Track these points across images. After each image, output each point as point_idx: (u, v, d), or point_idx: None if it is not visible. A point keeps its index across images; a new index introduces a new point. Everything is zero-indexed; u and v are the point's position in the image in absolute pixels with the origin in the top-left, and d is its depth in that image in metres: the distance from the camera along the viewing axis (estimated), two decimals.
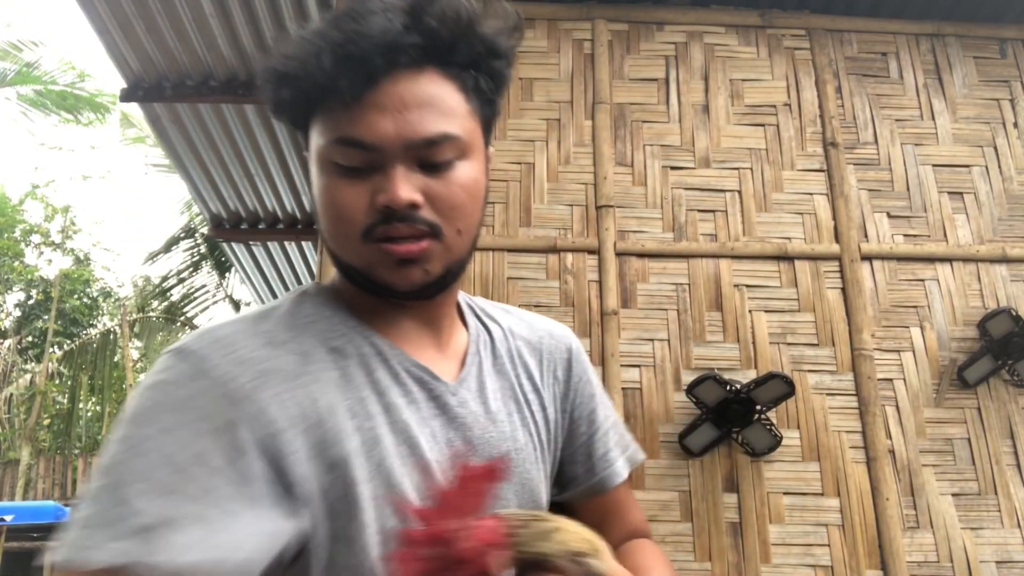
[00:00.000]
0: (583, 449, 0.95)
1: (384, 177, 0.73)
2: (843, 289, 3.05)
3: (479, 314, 0.93)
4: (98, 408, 12.46)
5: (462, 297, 0.92)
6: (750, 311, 3.01)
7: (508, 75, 0.82)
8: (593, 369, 1.00)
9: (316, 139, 0.77)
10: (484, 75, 0.79)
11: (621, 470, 0.96)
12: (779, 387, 2.75)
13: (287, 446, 0.68)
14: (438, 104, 0.75)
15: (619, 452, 0.97)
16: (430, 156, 0.74)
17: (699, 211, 3.12)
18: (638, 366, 2.91)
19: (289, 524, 0.68)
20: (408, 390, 0.78)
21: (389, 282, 0.76)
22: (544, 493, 0.88)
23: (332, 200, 0.75)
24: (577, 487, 0.95)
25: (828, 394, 2.93)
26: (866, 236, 3.14)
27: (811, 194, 3.17)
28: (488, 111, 0.81)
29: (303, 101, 0.76)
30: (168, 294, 11.46)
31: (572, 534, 0.66)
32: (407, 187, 0.73)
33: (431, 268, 0.76)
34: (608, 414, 0.98)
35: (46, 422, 12.23)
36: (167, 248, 10.50)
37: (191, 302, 11.22)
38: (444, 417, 0.79)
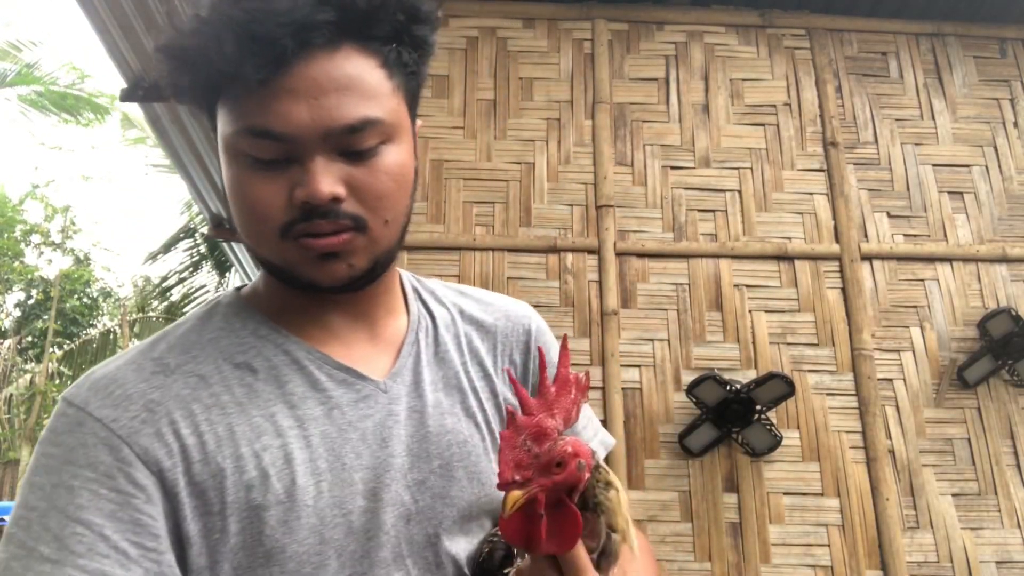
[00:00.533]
0: None
1: (302, 170, 0.67)
2: (843, 289, 3.05)
3: (425, 298, 0.86)
4: None
5: (409, 279, 0.87)
6: (750, 311, 3.01)
7: (433, 41, 0.74)
8: (556, 348, 0.91)
9: (223, 126, 0.70)
10: (407, 46, 0.72)
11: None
12: (779, 387, 2.75)
13: (175, 483, 0.65)
14: (358, 85, 0.68)
15: (588, 436, 0.89)
16: (352, 144, 0.68)
17: (699, 211, 3.12)
18: (638, 366, 2.91)
19: (185, 562, 0.66)
20: (329, 396, 0.73)
21: (312, 278, 0.71)
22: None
23: (245, 195, 0.70)
24: None
25: (828, 394, 2.93)
26: (866, 236, 3.14)
27: (811, 194, 3.17)
28: (413, 83, 0.74)
29: (204, 86, 0.69)
30: (168, 294, 11.46)
31: (622, 504, 0.67)
32: (328, 180, 0.67)
33: (356, 262, 0.71)
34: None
35: (46, 422, 12.25)
36: (167, 248, 10.51)
37: (191, 302, 11.22)
38: (375, 418, 0.74)
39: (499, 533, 0.73)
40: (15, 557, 0.61)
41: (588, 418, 0.92)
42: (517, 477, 0.60)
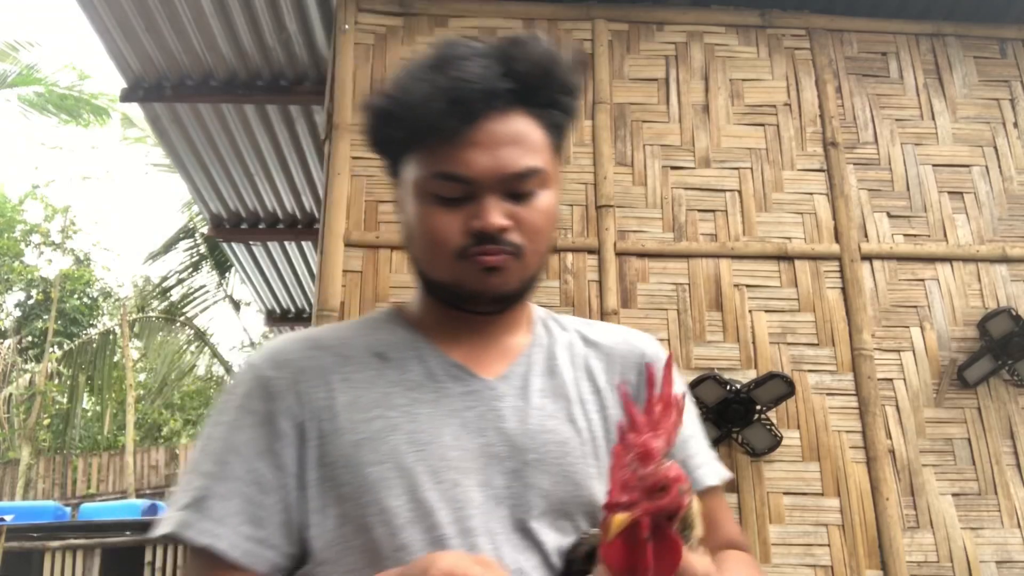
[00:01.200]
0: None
1: (478, 205, 0.84)
2: (843, 289, 3.05)
3: (550, 325, 1.00)
4: (98, 408, 12.46)
5: (540, 312, 1.01)
6: (750, 311, 3.01)
7: (578, 108, 0.93)
8: (679, 380, 0.96)
9: (414, 171, 0.87)
10: (559, 111, 0.89)
11: (703, 478, 0.93)
12: (779, 387, 2.75)
13: (308, 433, 0.83)
14: (525, 141, 0.85)
15: (700, 460, 0.95)
16: (518, 187, 0.85)
17: (699, 211, 3.12)
18: None
19: (304, 501, 0.82)
20: (441, 386, 0.87)
21: (476, 289, 0.86)
22: (595, 490, 0.87)
23: (430, 226, 0.85)
24: None
25: (828, 394, 2.93)
26: (866, 236, 3.14)
27: (811, 194, 3.17)
28: (561, 141, 0.92)
29: (406, 139, 0.87)
30: (168, 294, 11.46)
31: (699, 518, 0.70)
32: (497, 214, 0.84)
33: (510, 280, 0.86)
34: (688, 424, 0.95)
35: (46, 422, 12.23)
36: (167, 248, 10.50)
37: (191, 302, 11.22)
38: (479, 409, 0.86)
39: (591, 533, 0.79)
40: (196, 473, 0.83)
41: (704, 447, 0.98)
42: (624, 499, 0.62)
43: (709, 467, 0.95)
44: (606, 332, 1.01)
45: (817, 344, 2.99)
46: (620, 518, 0.61)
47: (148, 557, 5.19)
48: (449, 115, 0.82)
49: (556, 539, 0.83)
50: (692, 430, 0.97)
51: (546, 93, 0.87)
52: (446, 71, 0.83)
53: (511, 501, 0.83)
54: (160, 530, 0.82)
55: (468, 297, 0.88)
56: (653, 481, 0.62)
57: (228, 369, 12.20)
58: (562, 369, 0.93)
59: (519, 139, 0.85)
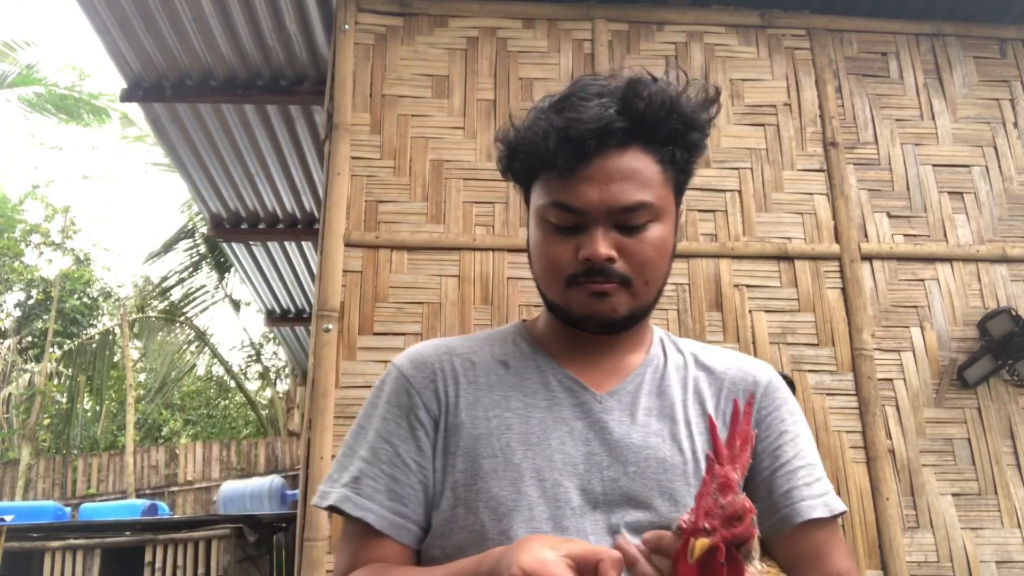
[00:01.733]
0: (764, 485, 0.94)
1: (587, 236, 0.89)
2: (843, 289, 3.05)
3: (667, 346, 1.03)
4: (98, 408, 12.46)
5: (661, 334, 1.05)
6: (750, 311, 3.01)
7: (704, 145, 0.96)
8: (797, 411, 1.01)
9: (536, 199, 0.94)
10: (681, 147, 0.93)
11: (807, 510, 0.91)
12: None
13: (440, 425, 0.94)
14: (637, 177, 0.90)
15: (808, 492, 0.93)
16: (627, 220, 0.89)
17: (699, 211, 3.12)
18: None
19: (435, 483, 0.93)
20: (554, 395, 0.95)
21: (583, 314, 0.92)
22: (691, 503, 0.88)
23: (545, 252, 0.93)
24: (759, 524, 0.91)
25: (828, 394, 2.93)
26: (866, 236, 3.14)
27: (811, 194, 3.17)
28: (682, 177, 0.96)
29: (529, 170, 0.94)
30: (168, 294, 11.45)
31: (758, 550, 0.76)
32: (604, 245, 0.89)
33: (618, 308, 0.91)
34: (802, 455, 0.96)
35: (46, 422, 12.23)
36: (167, 248, 10.50)
37: (191, 302, 11.22)
38: (587, 420, 0.93)
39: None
40: (345, 455, 0.97)
41: (816, 478, 0.96)
42: (706, 525, 0.66)
43: (817, 500, 0.92)
44: (721, 357, 1.04)
45: (817, 344, 2.99)
46: (703, 542, 0.65)
47: (148, 557, 5.19)
48: (561, 152, 0.88)
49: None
50: (805, 458, 0.96)
51: (665, 131, 0.91)
52: (564, 111, 0.89)
53: (606, 507, 0.88)
54: (320, 502, 0.94)
55: (578, 321, 0.94)
56: (732, 511, 0.67)
57: (228, 369, 12.20)
58: (672, 390, 0.97)
59: (631, 175, 0.89)
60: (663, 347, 1.03)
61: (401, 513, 0.92)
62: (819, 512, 0.92)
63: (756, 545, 0.73)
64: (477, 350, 1.01)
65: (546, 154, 0.89)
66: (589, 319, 0.93)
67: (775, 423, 0.98)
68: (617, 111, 0.90)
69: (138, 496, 9.81)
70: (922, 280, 3.11)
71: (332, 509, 0.94)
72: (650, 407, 0.95)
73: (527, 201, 0.99)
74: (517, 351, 1.00)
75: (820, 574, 0.91)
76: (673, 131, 0.92)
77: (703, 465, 0.91)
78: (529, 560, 0.71)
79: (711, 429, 0.74)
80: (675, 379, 0.99)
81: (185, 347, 11.47)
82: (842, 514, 0.96)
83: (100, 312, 14.92)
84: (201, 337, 11.40)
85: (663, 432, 0.93)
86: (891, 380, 2.97)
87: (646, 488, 0.89)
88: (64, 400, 11.72)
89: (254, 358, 14.38)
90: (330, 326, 2.84)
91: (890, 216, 3.18)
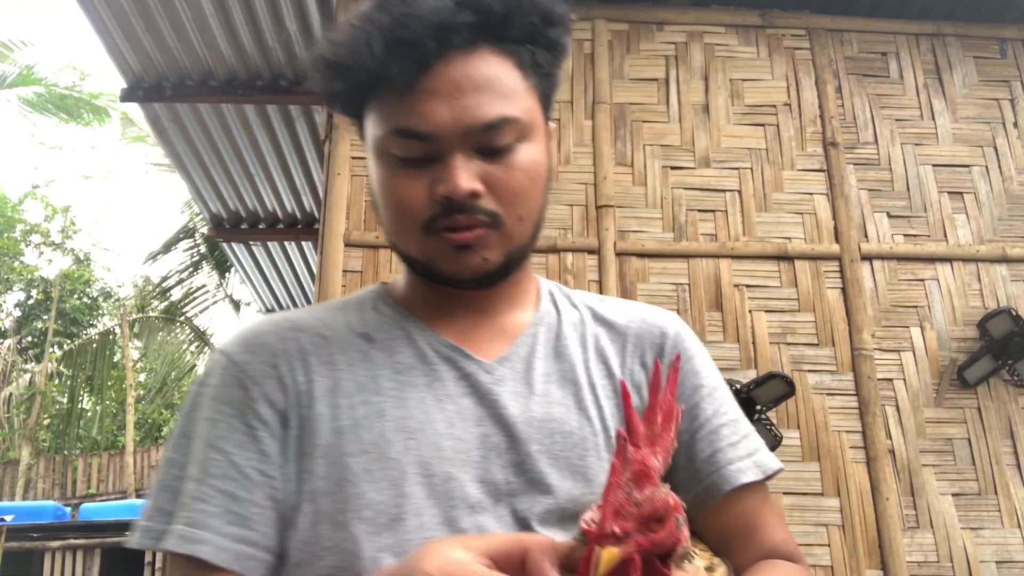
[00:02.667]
0: (684, 450, 0.80)
1: (443, 167, 0.72)
2: (843, 289, 3.05)
3: (557, 300, 0.87)
4: (98, 408, 12.46)
5: (548, 284, 0.89)
6: (750, 311, 3.01)
7: (566, 44, 0.78)
8: (710, 362, 0.87)
9: (372, 129, 0.76)
10: (541, 47, 0.75)
11: (736, 474, 0.78)
12: (779, 387, 2.75)
13: (290, 421, 0.74)
14: (495, 85, 0.72)
15: (735, 453, 0.80)
16: (489, 141, 0.72)
17: (699, 211, 3.12)
18: None
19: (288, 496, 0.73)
20: (433, 369, 0.77)
21: (449, 271, 0.76)
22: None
23: (391, 193, 0.75)
24: (683, 497, 0.77)
25: (828, 394, 2.93)
26: (866, 236, 3.14)
27: (811, 194, 3.17)
28: (547, 85, 0.78)
29: (356, 91, 0.75)
30: (168, 294, 11.46)
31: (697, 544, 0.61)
32: (466, 176, 0.71)
33: (490, 256, 0.75)
34: (722, 410, 0.82)
35: (46, 422, 12.23)
36: (167, 248, 10.51)
37: (191, 302, 11.23)
38: (476, 395, 0.76)
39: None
40: (165, 474, 0.74)
41: (743, 435, 0.82)
42: (616, 529, 0.51)
43: (746, 461, 0.79)
44: (621, 309, 0.88)
45: (817, 344, 2.99)
46: (611, 552, 0.50)
47: (148, 557, 5.19)
48: (394, 60, 0.69)
49: (562, 538, 0.69)
50: (726, 414, 0.82)
51: (519, 25, 0.73)
52: (392, 8, 0.71)
53: (512, 498, 0.73)
54: (134, 541, 0.73)
55: (444, 278, 0.77)
56: (651, 510, 0.52)
57: None
58: (570, 351, 0.82)
59: (487, 83, 0.72)
60: (554, 301, 0.86)
61: (245, 539, 0.70)
62: (751, 475, 0.78)
63: (688, 544, 0.57)
64: (328, 322, 0.80)
65: (374, 65, 0.70)
66: (455, 277, 0.76)
67: (689, 377, 0.83)
68: (457, 2, 0.71)
69: (138, 496, 9.82)
70: (922, 280, 3.11)
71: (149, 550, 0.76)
72: (548, 372, 0.79)
73: (362, 136, 0.80)
74: (380, 319, 0.81)
75: (755, 550, 0.80)
76: (529, 26, 0.74)
77: (613, 435, 0.77)
78: (436, 564, 0.56)
79: (623, 398, 0.60)
80: (573, 337, 0.83)
81: (185, 347, 11.47)
82: (778, 472, 0.82)
83: (100, 312, 14.93)
84: (201, 337, 11.40)
85: (567, 400, 0.78)
86: (891, 380, 2.97)
87: (555, 469, 0.74)
88: (64, 400, 11.72)
89: None
90: None
91: (890, 216, 3.18)
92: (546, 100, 0.79)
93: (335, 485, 0.71)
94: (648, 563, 0.52)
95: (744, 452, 0.80)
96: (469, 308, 0.81)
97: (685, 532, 0.54)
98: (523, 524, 0.72)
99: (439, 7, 0.70)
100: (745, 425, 0.84)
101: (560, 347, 0.82)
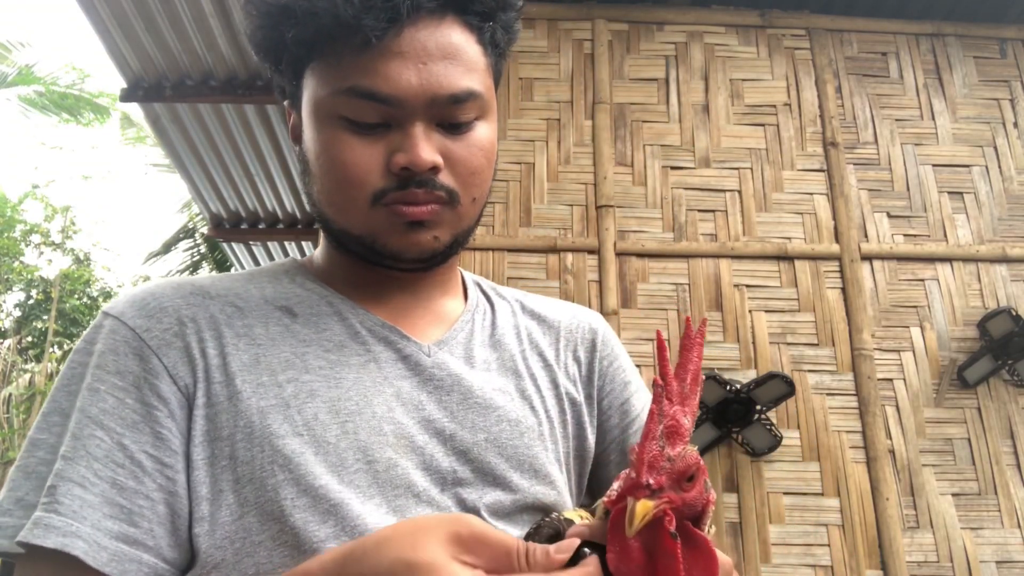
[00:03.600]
0: (616, 445, 0.80)
1: (403, 135, 0.67)
2: (843, 289, 3.05)
3: (486, 291, 0.85)
4: None
5: (470, 277, 0.86)
6: (750, 311, 3.01)
7: (518, 29, 0.77)
8: (628, 358, 0.88)
9: (317, 88, 0.69)
10: (500, 27, 0.74)
11: None
12: (779, 387, 2.75)
13: (196, 400, 0.65)
14: (462, 56, 0.69)
15: None
16: (453, 115, 0.69)
17: (699, 211, 3.12)
18: (638, 366, 2.90)
19: (190, 487, 0.64)
20: (368, 349, 0.71)
21: (395, 249, 0.70)
22: (555, 476, 0.74)
23: (337, 159, 0.68)
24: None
25: (828, 394, 2.93)
26: (866, 236, 3.14)
27: (811, 194, 3.17)
28: (499, 67, 0.76)
29: (308, 43, 0.68)
30: None
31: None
32: (428, 148, 0.67)
33: (440, 235, 0.71)
34: (648, 407, 0.81)
35: None
36: (167, 248, 10.51)
37: None
38: (416, 378, 0.71)
39: (551, 517, 0.62)
40: (37, 458, 0.63)
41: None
42: (650, 481, 0.48)
43: None
44: (549, 305, 0.87)
45: (817, 344, 2.99)
46: (646, 505, 0.47)
47: None
48: (367, 11, 0.64)
49: (513, 530, 0.69)
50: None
51: (481, 2, 0.71)
52: None
53: (459, 487, 0.68)
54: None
55: (385, 255, 0.71)
56: (683, 466, 0.49)
57: None
58: (506, 341, 0.79)
59: (455, 52, 0.68)
60: (483, 291, 0.85)
61: (128, 537, 0.59)
62: None
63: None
64: (240, 293, 0.72)
65: (342, 15, 0.64)
66: (401, 255, 0.71)
67: (618, 374, 0.84)
68: None
69: None
70: (922, 280, 3.11)
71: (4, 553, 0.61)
72: (488, 360, 0.76)
73: (289, 94, 0.74)
74: (302, 293, 0.74)
75: None
76: (490, 5, 0.71)
77: (556, 425, 0.76)
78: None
79: (660, 351, 0.55)
80: (507, 327, 0.81)
81: None
82: None
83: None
84: None
85: (508, 389, 0.75)
86: (891, 380, 2.97)
87: (502, 459, 0.70)
88: None
89: None
90: None
91: (890, 216, 3.18)
92: (497, 81, 0.77)
93: (263, 471, 0.62)
94: (681, 526, 0.50)
95: None
96: (403, 289, 0.76)
97: (713, 495, 0.52)
98: (473, 513, 0.67)
99: None
100: None
101: (496, 337, 0.79)
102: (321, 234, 0.78)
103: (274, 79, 0.76)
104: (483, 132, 0.72)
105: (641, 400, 0.84)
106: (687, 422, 0.52)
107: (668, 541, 0.48)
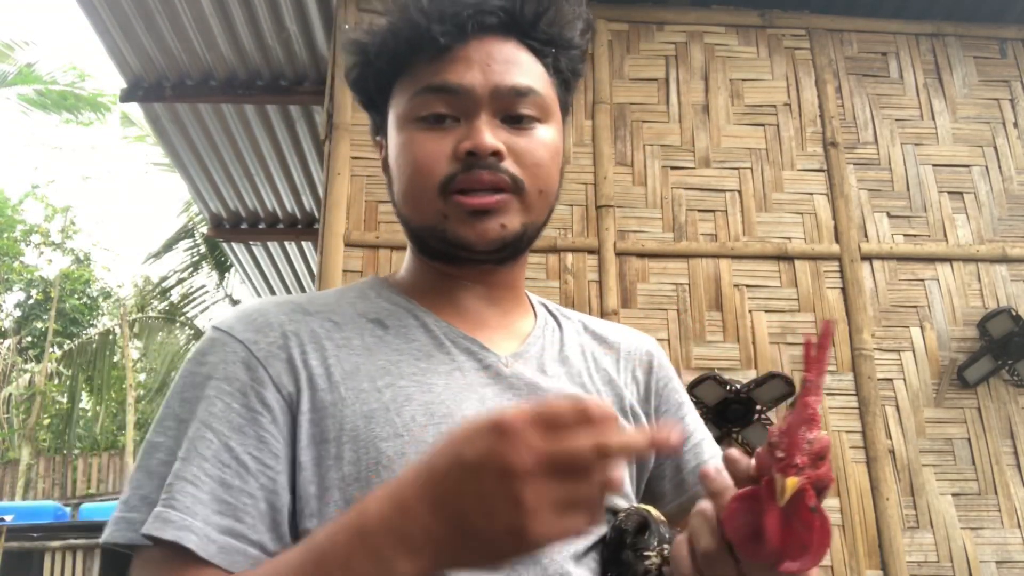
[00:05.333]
0: (671, 462, 0.86)
1: (468, 126, 0.75)
2: (843, 289, 3.05)
3: (553, 311, 0.91)
4: (98, 408, 12.47)
5: (536, 298, 0.92)
6: (750, 311, 3.01)
7: (582, 70, 0.84)
8: (680, 381, 0.94)
9: (397, 102, 0.79)
10: (563, 59, 0.81)
11: None
12: (779, 387, 2.75)
13: (301, 407, 0.71)
14: (523, 65, 0.77)
15: (706, 455, 0.87)
16: (514, 107, 0.76)
17: (699, 211, 3.12)
18: None
19: (297, 487, 0.70)
20: (452, 358, 0.77)
21: (464, 238, 0.75)
22: (624, 481, 0.80)
23: (412, 153, 0.76)
24: (666, 505, 0.86)
25: (828, 394, 2.92)
26: (866, 236, 3.14)
27: (811, 194, 3.17)
28: (564, 95, 0.83)
29: (391, 58, 0.78)
30: (168, 294, 11.46)
31: None
32: (491, 135, 0.74)
33: (508, 223, 0.75)
34: (700, 427, 0.90)
35: (46, 422, 12.24)
36: (167, 248, 10.50)
37: (191, 302, 11.22)
38: (497, 386, 0.76)
39: (633, 507, 0.73)
40: (156, 459, 0.69)
41: (717, 450, 0.87)
42: (799, 461, 0.56)
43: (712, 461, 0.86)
44: (609, 328, 0.93)
45: None
46: (794, 482, 0.55)
47: None
48: (437, 28, 0.74)
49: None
50: (703, 429, 0.91)
51: (544, 32, 0.79)
52: None
53: None
54: (107, 536, 0.68)
55: (458, 246, 0.76)
56: (819, 448, 0.57)
57: None
58: (573, 358, 0.85)
59: (516, 60, 0.77)
60: (549, 311, 0.90)
61: (234, 532, 0.65)
62: None
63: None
64: (336, 308, 0.78)
65: (418, 33, 0.75)
66: (473, 244, 0.75)
67: (673, 395, 0.90)
68: None
69: None
70: (922, 280, 3.11)
71: (118, 546, 0.67)
72: (558, 374, 0.82)
73: (380, 125, 0.84)
74: (390, 307, 0.80)
75: None
76: (552, 36, 0.79)
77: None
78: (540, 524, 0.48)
79: (807, 350, 0.60)
80: (573, 345, 0.86)
81: (185, 347, 11.47)
82: None
83: (100, 312, 14.93)
84: (201, 337, 11.41)
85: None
86: (891, 380, 2.97)
87: None
88: (64, 400, 11.73)
89: None
90: None
91: (890, 216, 3.18)
92: (564, 106, 0.83)
93: (369, 470, 0.68)
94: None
95: (708, 456, 0.87)
96: (476, 298, 0.82)
97: (833, 474, 0.59)
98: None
99: None
100: (712, 439, 0.90)
101: (564, 352, 0.85)
102: (408, 249, 0.85)
103: (370, 118, 0.86)
104: (546, 133, 0.78)
105: (694, 420, 0.90)
106: (819, 412, 0.60)
107: (807, 513, 0.56)
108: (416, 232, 0.80)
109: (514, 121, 0.76)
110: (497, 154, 0.73)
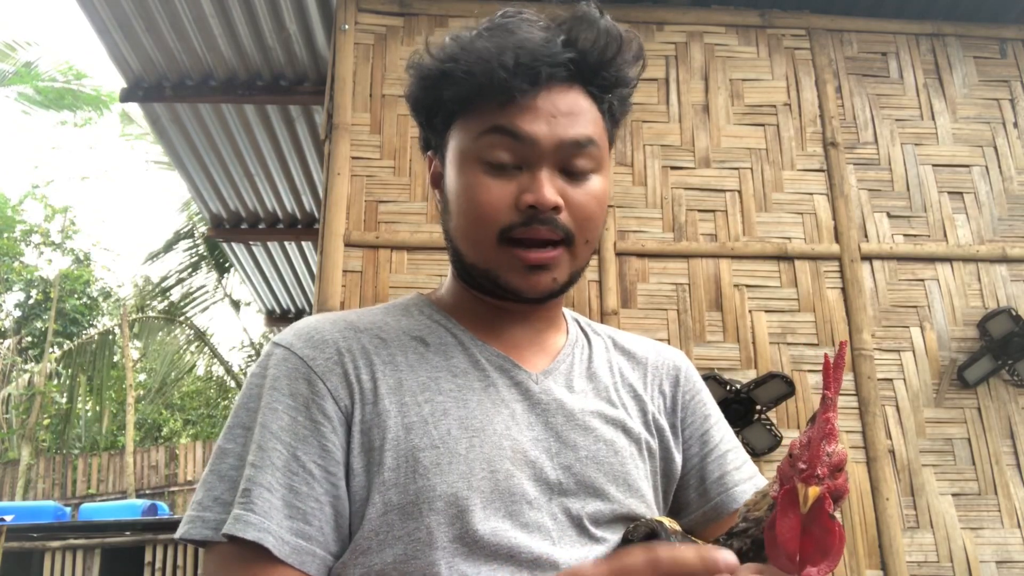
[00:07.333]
0: (695, 472, 0.90)
1: (531, 177, 0.78)
2: (843, 289, 3.05)
3: (583, 327, 0.95)
4: (98, 408, 12.46)
5: (569, 313, 0.96)
6: (750, 311, 3.01)
7: (631, 104, 0.89)
8: (709, 393, 0.97)
9: (461, 138, 0.82)
10: (616, 100, 0.85)
11: (742, 495, 0.86)
12: (779, 387, 2.75)
13: (354, 417, 0.77)
14: (584, 115, 0.81)
15: (739, 476, 0.90)
16: (574, 161, 0.80)
17: (699, 211, 3.12)
18: None
19: (352, 491, 0.76)
20: (487, 375, 0.82)
21: (516, 287, 0.81)
22: (645, 491, 0.84)
23: (474, 197, 0.79)
24: (690, 513, 0.90)
25: None
26: (866, 236, 3.14)
27: (811, 194, 3.17)
28: (612, 135, 0.87)
29: (461, 100, 0.80)
30: (168, 294, 11.45)
31: None
32: (553, 190, 0.78)
33: (559, 276, 0.81)
34: (727, 438, 0.93)
35: (46, 422, 12.23)
36: (167, 248, 10.50)
37: (191, 302, 11.22)
38: (527, 402, 0.82)
39: (646, 518, 0.78)
40: (219, 463, 0.76)
41: (744, 461, 0.92)
42: (819, 472, 0.61)
43: (748, 484, 0.89)
44: (637, 341, 0.97)
45: (817, 344, 2.99)
46: (815, 491, 0.60)
47: (148, 557, 5.20)
48: (515, 75, 0.77)
49: (611, 536, 0.79)
50: (730, 441, 0.94)
51: (605, 78, 0.83)
52: (513, 31, 0.79)
53: (565, 497, 0.78)
54: (194, 531, 0.73)
55: (508, 291, 0.82)
56: (837, 460, 0.62)
57: (228, 369, 12.21)
58: (601, 373, 0.89)
59: (579, 112, 0.81)
60: (580, 328, 0.95)
61: (304, 534, 0.72)
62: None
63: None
64: (383, 325, 0.85)
65: (496, 76, 0.77)
66: (523, 293, 0.81)
67: (699, 407, 0.93)
68: (564, 43, 0.80)
69: (138, 496, 9.82)
70: (922, 280, 3.11)
71: (194, 541, 0.74)
72: (585, 389, 0.86)
73: (435, 146, 0.87)
74: (431, 325, 0.86)
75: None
76: (612, 80, 0.84)
77: (644, 448, 0.86)
78: None
79: (825, 365, 0.65)
80: (601, 362, 0.91)
81: (185, 347, 11.47)
82: None
83: (100, 312, 14.92)
84: (201, 337, 11.40)
85: (604, 413, 0.85)
86: (891, 380, 2.97)
87: (601, 474, 0.80)
88: (64, 400, 11.72)
89: (254, 358, 14.39)
90: None
91: (890, 216, 3.18)
92: (611, 141, 0.88)
93: (406, 477, 0.74)
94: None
95: (747, 475, 0.90)
96: (513, 325, 0.87)
97: (848, 484, 0.65)
98: (576, 521, 0.78)
99: (550, 41, 0.79)
100: (743, 451, 0.94)
101: (592, 369, 0.89)
102: (449, 271, 0.90)
103: (421, 132, 0.89)
104: (598, 184, 0.82)
105: (720, 431, 0.93)
106: (838, 426, 0.65)
107: (826, 520, 0.61)
108: (468, 268, 0.84)
109: (572, 174, 0.80)
110: (556, 208, 0.78)
